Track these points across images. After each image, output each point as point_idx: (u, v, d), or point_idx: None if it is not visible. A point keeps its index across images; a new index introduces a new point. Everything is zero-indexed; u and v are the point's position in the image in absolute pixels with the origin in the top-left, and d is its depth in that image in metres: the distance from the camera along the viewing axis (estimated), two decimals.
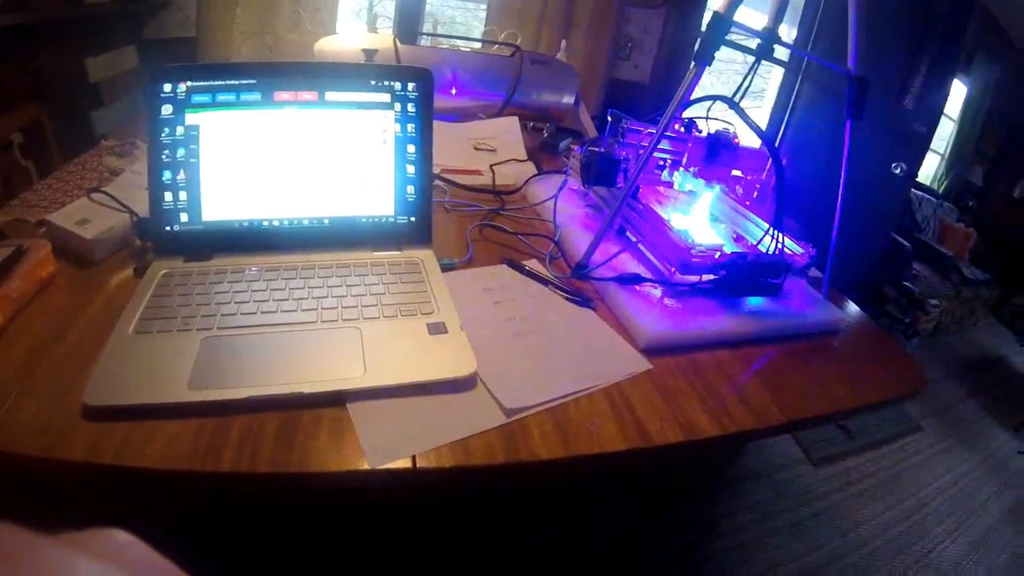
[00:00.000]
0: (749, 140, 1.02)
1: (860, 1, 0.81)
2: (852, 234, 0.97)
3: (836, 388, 0.74)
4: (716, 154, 1.04)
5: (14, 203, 0.84)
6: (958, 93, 3.56)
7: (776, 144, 2.41)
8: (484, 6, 2.24)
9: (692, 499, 1.67)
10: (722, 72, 2.65)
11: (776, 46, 0.85)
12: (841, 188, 0.89)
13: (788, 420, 0.67)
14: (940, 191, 3.87)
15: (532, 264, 0.86)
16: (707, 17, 0.77)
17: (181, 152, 0.70)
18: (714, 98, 0.91)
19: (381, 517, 1.23)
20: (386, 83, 0.76)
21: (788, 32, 2.41)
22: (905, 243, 2.93)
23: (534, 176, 1.13)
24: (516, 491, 1.37)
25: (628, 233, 0.91)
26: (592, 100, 2.20)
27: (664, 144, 1.06)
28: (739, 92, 0.87)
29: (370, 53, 1.31)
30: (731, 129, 1.04)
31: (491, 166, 1.17)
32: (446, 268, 0.79)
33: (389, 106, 0.76)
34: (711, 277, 0.81)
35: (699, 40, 0.77)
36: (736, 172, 1.06)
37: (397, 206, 0.79)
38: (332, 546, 1.17)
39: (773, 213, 0.82)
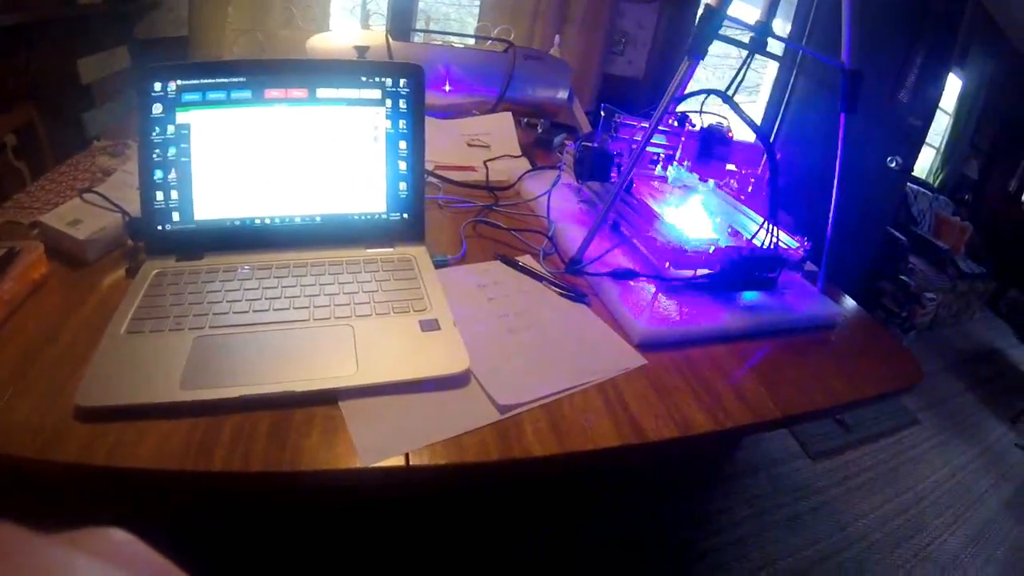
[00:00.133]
0: (743, 134, 1.02)
1: None
2: (848, 228, 0.97)
3: (832, 382, 0.74)
4: (710, 148, 1.04)
5: (7, 205, 0.84)
6: (953, 87, 3.56)
7: (771, 138, 2.41)
8: (477, 2, 2.24)
9: (689, 495, 1.67)
10: (717, 67, 2.65)
11: (770, 40, 0.85)
12: (836, 182, 0.89)
13: (784, 415, 0.67)
14: (936, 185, 3.87)
15: (526, 260, 0.86)
16: (700, 11, 0.77)
17: (172, 151, 0.70)
18: (707, 92, 0.91)
19: (376, 516, 1.23)
20: (377, 79, 0.75)
21: (782, 26, 2.41)
22: (901, 237, 2.94)
23: (528, 172, 1.13)
24: (511, 489, 1.37)
25: (622, 228, 0.91)
26: (586, 95, 2.20)
27: (658, 139, 1.06)
28: (732, 86, 0.87)
29: (362, 50, 1.31)
30: (725, 123, 1.04)
31: (485, 162, 1.17)
32: (439, 265, 0.79)
33: (380, 102, 0.76)
34: (706, 272, 0.81)
35: (692, 34, 0.77)
36: (730, 166, 1.06)
37: (389, 203, 0.79)
38: (327, 545, 1.17)
39: (768, 207, 0.82)
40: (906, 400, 2.33)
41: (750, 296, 0.84)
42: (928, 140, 2.98)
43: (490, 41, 1.96)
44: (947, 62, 2.39)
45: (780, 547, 1.53)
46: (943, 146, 3.90)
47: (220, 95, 0.70)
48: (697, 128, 1.04)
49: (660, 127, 0.95)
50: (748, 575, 1.43)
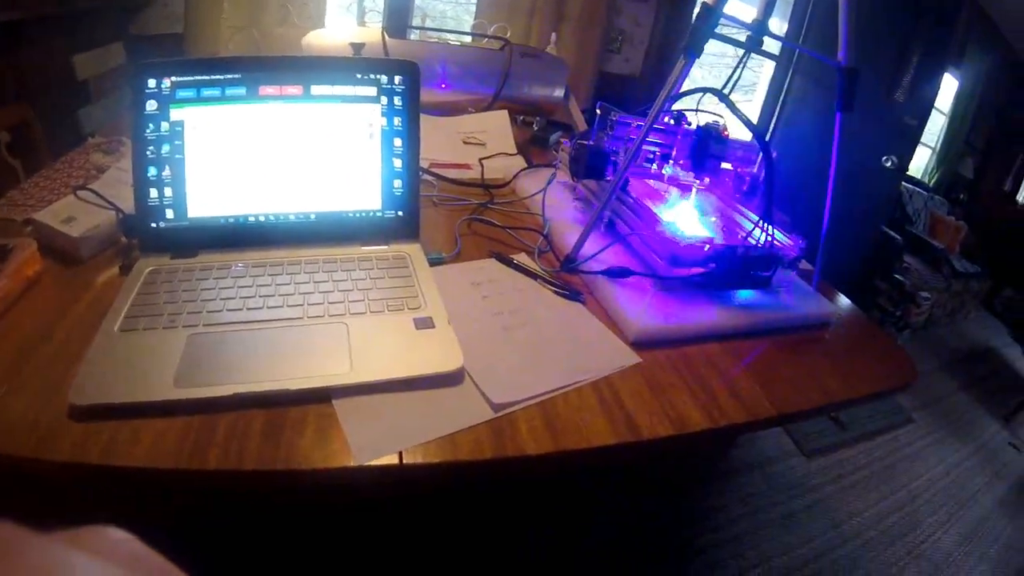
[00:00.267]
0: (739, 133, 1.02)
1: None
2: (843, 227, 0.97)
3: (827, 380, 0.74)
4: (706, 147, 1.04)
5: (1, 202, 0.83)
6: (949, 86, 3.57)
7: (767, 137, 2.41)
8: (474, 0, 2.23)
9: (684, 493, 1.68)
10: (714, 66, 2.65)
11: (766, 39, 0.85)
12: (831, 181, 0.89)
13: (779, 413, 0.67)
14: (931, 184, 3.89)
15: (521, 258, 0.86)
16: (697, 10, 0.77)
17: (166, 148, 0.69)
18: (703, 90, 0.91)
19: (376, 517, 1.23)
20: (372, 76, 0.75)
21: (779, 25, 2.41)
22: (896, 236, 2.94)
23: (523, 170, 1.13)
24: (509, 490, 1.37)
25: (617, 226, 0.91)
26: (582, 93, 2.20)
27: (654, 137, 1.06)
28: (728, 84, 0.87)
29: (358, 47, 1.30)
30: (721, 122, 1.04)
31: (480, 160, 1.17)
32: (434, 262, 0.79)
33: (375, 100, 0.76)
34: (701, 270, 0.81)
35: (688, 32, 0.77)
36: (726, 165, 1.06)
37: (384, 200, 0.78)
38: (327, 546, 1.17)
39: (763, 206, 0.82)
40: (901, 399, 2.34)
41: (745, 294, 0.84)
42: (923, 139, 3.00)
43: (486, 39, 1.96)
44: (943, 61, 2.40)
45: (775, 545, 1.54)
46: (938, 145, 3.92)
47: (215, 92, 0.70)
48: (693, 127, 1.04)
49: (656, 125, 0.95)
50: (743, 573, 1.44)
